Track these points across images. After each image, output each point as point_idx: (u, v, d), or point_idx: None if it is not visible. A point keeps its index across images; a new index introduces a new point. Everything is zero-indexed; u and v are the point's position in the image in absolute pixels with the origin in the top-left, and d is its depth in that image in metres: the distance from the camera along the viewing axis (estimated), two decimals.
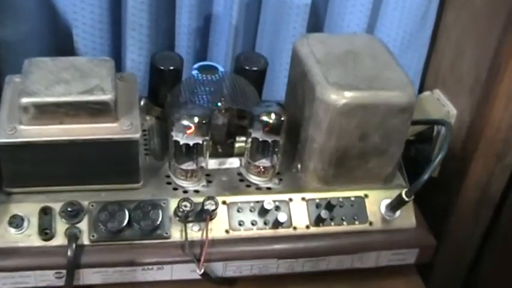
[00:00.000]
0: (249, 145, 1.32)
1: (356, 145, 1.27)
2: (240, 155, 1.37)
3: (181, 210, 1.23)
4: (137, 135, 1.21)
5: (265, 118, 1.27)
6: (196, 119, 1.24)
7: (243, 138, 1.36)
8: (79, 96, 1.19)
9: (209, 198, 1.25)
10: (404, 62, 1.63)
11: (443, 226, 1.64)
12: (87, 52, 1.56)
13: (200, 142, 1.26)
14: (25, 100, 1.18)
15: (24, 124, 1.19)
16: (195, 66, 1.44)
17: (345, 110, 1.22)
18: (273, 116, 1.27)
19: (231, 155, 1.38)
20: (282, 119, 1.27)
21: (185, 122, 1.24)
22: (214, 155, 1.35)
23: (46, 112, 1.19)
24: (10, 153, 1.20)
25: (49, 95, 1.19)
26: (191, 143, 1.25)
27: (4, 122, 1.21)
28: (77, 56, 1.55)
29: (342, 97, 1.21)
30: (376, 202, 1.32)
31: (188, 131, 1.24)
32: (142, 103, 1.44)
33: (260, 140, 1.28)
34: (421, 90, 1.74)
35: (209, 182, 1.32)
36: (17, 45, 1.53)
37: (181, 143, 1.25)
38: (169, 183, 1.31)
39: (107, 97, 1.20)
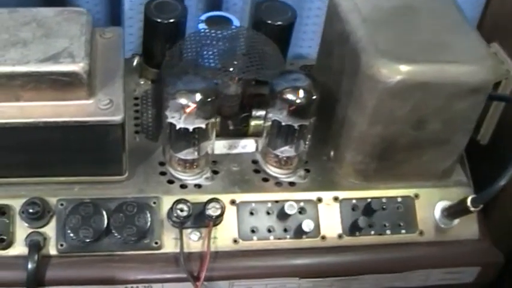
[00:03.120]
0: (268, 126, 0.96)
1: (408, 134, 0.93)
2: (256, 134, 1.02)
3: (175, 215, 0.89)
4: (118, 118, 0.86)
5: (290, 96, 0.91)
6: (198, 96, 0.88)
7: (262, 113, 1.00)
8: (39, 64, 0.84)
9: (213, 200, 0.90)
10: None
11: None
12: None
13: (203, 126, 0.90)
14: None
15: None
16: (202, 17, 1.06)
17: (398, 89, 0.87)
18: (301, 93, 0.91)
19: (244, 134, 1.02)
20: (314, 97, 0.91)
21: (183, 100, 0.88)
22: (222, 134, 1.00)
23: None
24: None
25: (0, 62, 0.83)
26: (191, 128, 0.90)
27: None
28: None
29: (396, 72, 0.87)
30: (429, 205, 1.00)
31: (187, 111, 0.88)
32: (135, 62, 1.09)
33: (283, 124, 0.93)
34: None
35: (215, 172, 0.98)
36: None
37: (177, 127, 0.90)
38: (163, 173, 0.97)
39: (77, 66, 0.84)
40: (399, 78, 0.86)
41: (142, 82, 1.09)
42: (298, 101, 0.91)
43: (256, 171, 0.99)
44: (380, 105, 0.90)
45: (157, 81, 1.08)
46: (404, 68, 0.87)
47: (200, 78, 0.92)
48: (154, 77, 1.09)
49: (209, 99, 0.89)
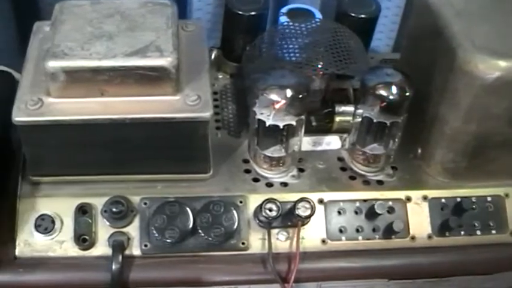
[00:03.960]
0: (357, 123, 0.90)
1: (503, 131, 0.87)
2: (339, 130, 0.96)
3: (264, 215, 0.84)
4: (207, 114, 0.80)
5: (383, 92, 0.84)
6: (289, 92, 0.82)
7: (345, 108, 0.95)
8: (127, 58, 0.78)
9: (302, 199, 0.84)
10: None
11: None
12: None
13: (293, 123, 0.85)
14: (53, 64, 0.78)
15: (53, 96, 0.80)
16: (283, 10, 1.01)
17: (496, 86, 0.81)
18: (394, 89, 0.85)
19: (327, 130, 0.96)
20: (407, 94, 0.85)
21: (273, 96, 0.82)
22: (307, 130, 0.92)
23: (82, 80, 0.79)
24: (34, 135, 0.81)
25: (86, 57, 0.78)
26: (281, 125, 0.84)
27: (26, 92, 0.81)
28: None
29: (494, 68, 0.81)
30: None
31: (277, 108, 0.83)
32: (213, 56, 1.03)
33: (374, 121, 0.87)
34: None
35: (301, 170, 0.92)
36: None
37: (267, 124, 0.84)
38: (247, 170, 0.91)
39: (165, 60, 0.79)
40: (498, 75, 0.81)
41: (220, 76, 1.04)
42: (391, 97, 0.84)
43: (343, 168, 0.93)
44: (476, 103, 0.83)
45: (237, 75, 1.02)
46: (503, 63, 0.81)
47: (290, 72, 0.85)
48: (233, 71, 1.03)
49: (300, 96, 0.83)
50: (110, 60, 0.78)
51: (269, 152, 0.88)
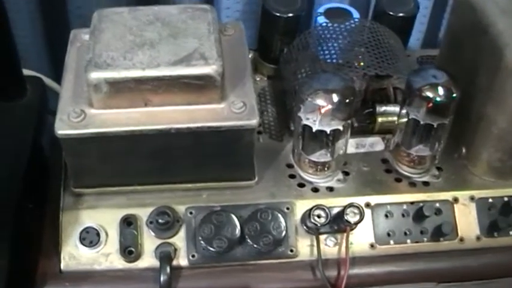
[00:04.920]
0: (401, 124, 0.86)
1: None
2: (382, 131, 0.92)
3: (313, 221, 0.81)
4: (254, 122, 0.77)
5: (430, 94, 0.80)
6: (335, 97, 0.79)
7: (386, 108, 0.91)
8: (171, 67, 0.75)
9: (351, 205, 0.81)
10: None
11: None
12: None
13: (340, 128, 0.81)
14: (96, 75, 0.74)
15: (96, 107, 0.76)
16: (320, 10, 0.96)
17: None
18: (441, 90, 0.81)
19: (369, 131, 0.92)
20: (454, 95, 0.81)
21: (320, 101, 0.79)
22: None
23: (125, 91, 0.75)
24: (77, 147, 0.78)
25: (129, 66, 0.75)
26: (328, 130, 0.81)
27: (68, 104, 0.77)
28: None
29: None
30: None
31: (323, 113, 0.79)
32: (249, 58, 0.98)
33: (421, 122, 0.83)
34: None
35: (346, 173, 0.88)
36: None
37: (314, 129, 0.81)
38: (292, 176, 0.88)
39: (211, 68, 0.75)
40: None
41: (258, 79, 0.99)
42: (438, 98, 0.80)
43: (388, 171, 0.89)
44: None
45: (275, 77, 0.98)
46: None
47: (335, 76, 0.81)
48: (271, 72, 0.99)
49: (347, 100, 0.79)
50: (153, 70, 0.74)
51: (315, 157, 0.85)
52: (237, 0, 1.11)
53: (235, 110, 0.78)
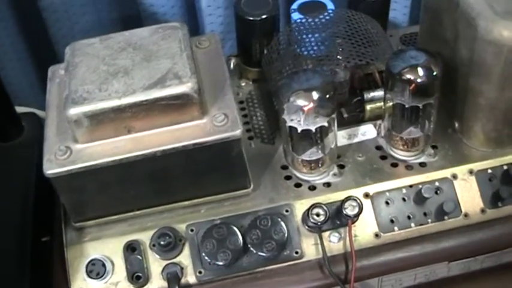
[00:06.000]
0: (389, 107, 0.84)
1: None
2: (372, 118, 0.90)
3: (312, 221, 0.79)
4: (237, 132, 0.75)
5: (410, 76, 0.78)
6: (315, 94, 0.76)
7: (374, 94, 0.89)
8: (146, 92, 0.73)
9: (348, 198, 0.79)
10: None
11: None
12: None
13: (325, 124, 0.79)
14: (74, 111, 0.73)
15: (80, 141, 0.75)
16: (294, 6, 0.93)
17: None
18: (421, 71, 0.78)
19: (360, 120, 0.90)
20: (435, 73, 0.78)
21: (301, 101, 0.77)
22: (339, 124, 0.85)
23: (106, 121, 0.74)
24: (69, 183, 0.77)
25: (105, 98, 0.73)
26: (313, 128, 0.79)
27: (53, 142, 0.77)
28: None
29: None
30: None
31: (306, 112, 0.77)
32: (232, 65, 0.97)
33: (407, 106, 0.81)
34: None
35: (341, 167, 0.86)
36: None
37: (299, 130, 0.79)
38: (288, 177, 0.86)
39: (186, 87, 0.73)
40: None
41: (243, 84, 0.97)
42: (419, 80, 0.77)
43: (383, 157, 0.86)
44: (507, 70, 0.77)
45: (260, 80, 0.96)
46: None
47: (313, 73, 0.79)
48: (255, 76, 0.96)
49: (328, 95, 0.77)
50: (130, 97, 0.73)
51: (306, 156, 0.82)
52: (218, 5, 1.09)
53: (217, 124, 0.76)
